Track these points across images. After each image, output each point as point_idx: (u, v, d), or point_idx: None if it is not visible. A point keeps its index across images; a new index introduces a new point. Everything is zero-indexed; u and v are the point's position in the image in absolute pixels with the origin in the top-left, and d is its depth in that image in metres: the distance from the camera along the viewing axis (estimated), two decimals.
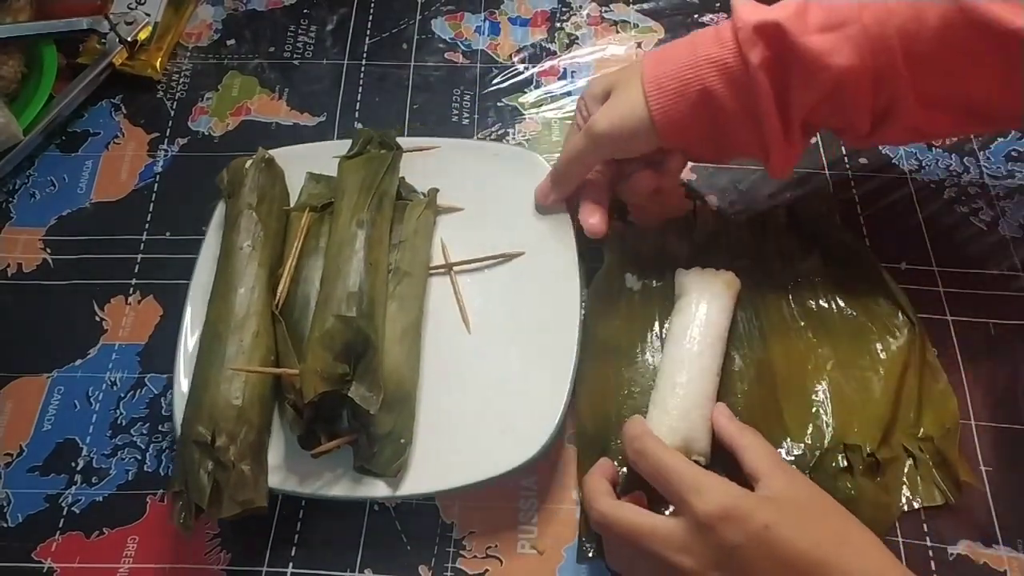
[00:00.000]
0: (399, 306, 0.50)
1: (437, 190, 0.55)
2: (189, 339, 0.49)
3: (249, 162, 0.53)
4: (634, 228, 0.56)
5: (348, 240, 0.50)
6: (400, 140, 0.56)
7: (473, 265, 0.53)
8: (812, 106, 0.44)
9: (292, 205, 0.55)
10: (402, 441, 0.45)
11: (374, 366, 0.45)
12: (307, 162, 0.56)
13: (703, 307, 0.48)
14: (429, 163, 0.56)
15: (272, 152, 0.55)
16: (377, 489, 0.45)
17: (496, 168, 0.56)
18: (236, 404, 0.44)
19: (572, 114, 0.62)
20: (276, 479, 0.45)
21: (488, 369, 0.49)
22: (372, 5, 0.69)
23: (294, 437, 0.45)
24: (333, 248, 0.50)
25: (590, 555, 0.45)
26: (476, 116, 0.63)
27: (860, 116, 0.45)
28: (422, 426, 0.47)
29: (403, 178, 0.56)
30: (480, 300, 0.52)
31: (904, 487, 0.46)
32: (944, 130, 0.52)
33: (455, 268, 0.53)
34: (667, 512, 0.43)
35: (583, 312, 0.51)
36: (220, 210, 0.54)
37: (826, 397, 0.49)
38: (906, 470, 0.47)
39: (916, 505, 0.46)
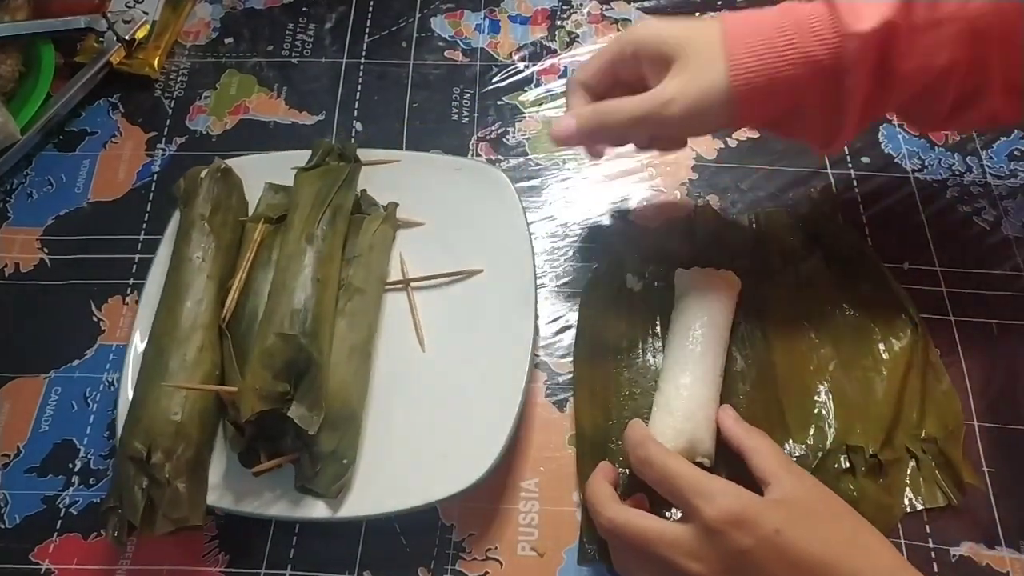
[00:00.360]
0: (349, 323, 0.49)
1: (396, 204, 0.55)
2: (139, 350, 0.48)
3: (204, 171, 0.53)
4: (634, 228, 0.56)
5: (297, 255, 0.49)
6: (360, 152, 0.55)
7: (431, 281, 0.52)
8: (898, 104, 0.43)
9: (250, 216, 0.54)
10: (344, 461, 0.45)
11: (316, 385, 0.44)
12: (270, 172, 0.55)
13: (704, 307, 0.48)
14: (392, 176, 0.56)
15: (234, 161, 0.55)
16: (315, 510, 0.44)
17: (458, 183, 0.55)
18: (174, 420, 0.44)
19: None
20: (214, 496, 0.44)
21: (439, 389, 0.48)
22: (371, 3, 0.68)
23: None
24: (282, 262, 0.49)
25: (592, 557, 0.45)
26: (476, 115, 0.62)
27: (942, 106, 0.44)
28: (368, 445, 0.46)
29: (364, 191, 0.55)
30: (437, 317, 0.51)
31: (907, 488, 0.46)
32: (1015, 117, 0.47)
33: (412, 284, 0.52)
34: (670, 514, 0.43)
35: (571, 319, 0.50)
36: (176, 219, 0.53)
37: (828, 398, 0.48)
38: (909, 471, 0.46)
39: (919, 507, 0.46)
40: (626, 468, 0.47)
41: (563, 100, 0.63)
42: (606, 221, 0.57)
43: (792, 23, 0.42)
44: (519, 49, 0.66)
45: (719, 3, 0.68)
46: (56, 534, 0.47)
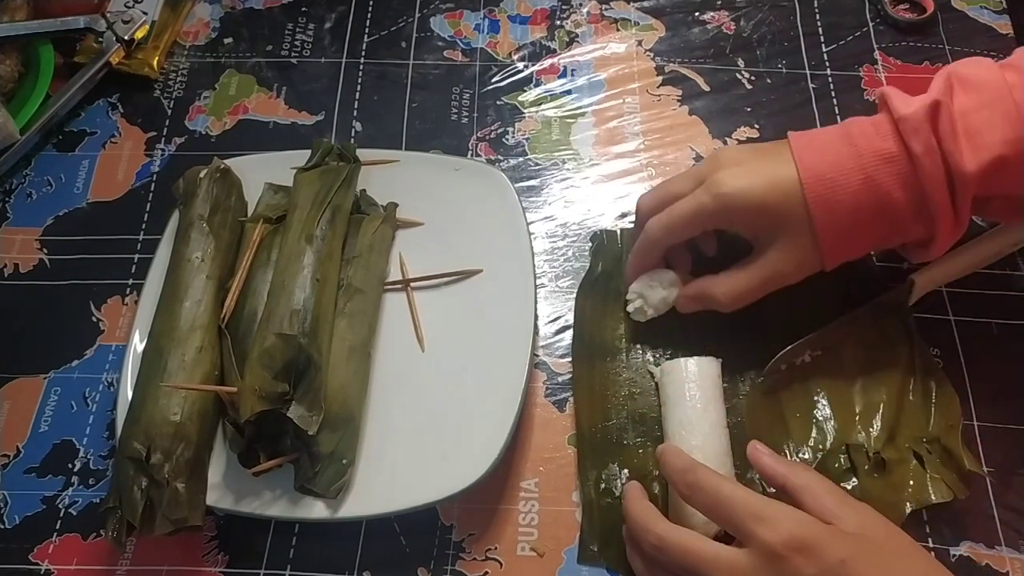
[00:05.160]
0: (348, 324, 0.49)
1: (396, 204, 0.55)
2: (138, 350, 0.48)
3: (203, 172, 0.53)
4: (630, 230, 0.56)
5: (296, 255, 0.49)
6: (360, 152, 0.55)
7: (430, 281, 0.52)
8: (977, 183, 0.42)
9: (249, 216, 0.54)
10: (344, 462, 0.45)
11: (316, 385, 0.44)
12: (270, 172, 0.55)
13: (692, 363, 0.47)
14: (392, 176, 0.56)
15: (233, 161, 0.55)
16: (315, 510, 0.44)
17: (458, 183, 0.55)
18: (174, 420, 0.44)
19: (572, 112, 0.62)
20: (214, 496, 0.44)
21: (439, 390, 0.48)
22: (371, 3, 0.68)
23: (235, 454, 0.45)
24: (282, 262, 0.49)
25: (592, 557, 0.45)
26: (475, 114, 0.62)
27: None
28: (368, 446, 0.46)
29: (364, 191, 0.55)
30: (436, 318, 0.51)
31: (910, 486, 0.46)
32: None
33: (412, 284, 0.52)
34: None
35: (572, 319, 0.51)
36: (175, 219, 0.53)
37: (828, 399, 0.48)
38: (912, 471, 0.46)
39: (924, 503, 0.45)
40: (625, 469, 0.47)
41: (562, 100, 0.63)
42: (605, 221, 0.57)
43: (852, 127, 0.44)
44: (519, 49, 0.66)
45: (718, 3, 0.68)
46: (56, 534, 0.47)
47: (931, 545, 0.45)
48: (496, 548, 0.46)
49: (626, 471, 0.47)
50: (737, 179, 0.44)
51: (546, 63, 0.65)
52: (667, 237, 0.47)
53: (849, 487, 0.45)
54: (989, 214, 0.47)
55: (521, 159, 0.60)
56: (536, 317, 0.49)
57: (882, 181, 0.43)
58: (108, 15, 0.63)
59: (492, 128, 0.62)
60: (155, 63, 0.64)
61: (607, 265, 0.54)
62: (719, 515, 0.38)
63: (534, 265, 0.51)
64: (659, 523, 0.40)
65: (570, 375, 0.51)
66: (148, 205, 0.59)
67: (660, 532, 0.39)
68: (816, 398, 0.49)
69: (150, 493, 0.42)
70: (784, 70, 0.64)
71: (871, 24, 0.66)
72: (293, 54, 0.66)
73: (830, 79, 0.63)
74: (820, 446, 0.47)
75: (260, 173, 0.55)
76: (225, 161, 0.54)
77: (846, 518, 0.37)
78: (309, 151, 0.55)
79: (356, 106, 0.63)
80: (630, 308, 0.50)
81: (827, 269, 0.46)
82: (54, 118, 0.61)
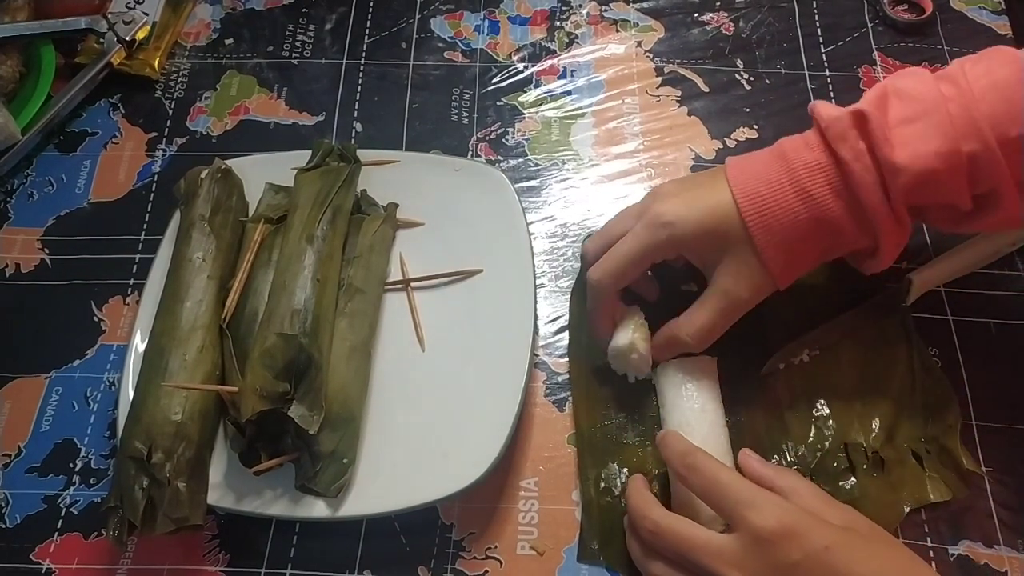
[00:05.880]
0: (349, 323, 0.49)
1: (396, 205, 0.55)
2: (140, 350, 0.49)
3: (204, 172, 0.53)
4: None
5: (297, 255, 0.49)
6: (360, 152, 0.56)
7: (431, 281, 0.52)
8: (910, 190, 0.41)
9: (250, 216, 0.54)
10: (345, 461, 0.45)
11: (316, 385, 0.44)
12: (271, 172, 0.56)
13: (687, 363, 0.47)
14: (392, 176, 0.56)
15: (234, 161, 0.55)
16: (315, 509, 0.44)
17: (458, 183, 0.55)
18: (175, 419, 0.44)
19: (571, 112, 0.62)
20: (215, 495, 0.44)
21: (439, 389, 0.49)
22: (371, 4, 0.69)
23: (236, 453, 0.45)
24: (283, 262, 0.49)
25: (591, 556, 0.45)
26: (475, 115, 0.62)
27: (961, 199, 0.42)
28: (368, 445, 0.47)
29: (364, 191, 0.55)
30: (437, 317, 0.51)
31: (909, 485, 0.46)
32: None
33: (412, 284, 0.52)
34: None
35: (568, 322, 0.51)
36: (176, 220, 0.53)
37: (826, 398, 0.48)
38: (911, 470, 0.46)
39: (923, 501, 0.46)
40: (624, 468, 0.47)
41: (561, 101, 0.63)
42: (604, 221, 0.57)
43: (783, 145, 0.44)
44: (518, 50, 0.66)
45: (718, 4, 0.68)
46: (57, 534, 0.47)
47: (930, 544, 0.46)
48: (496, 547, 0.46)
49: (626, 470, 0.47)
50: (676, 208, 0.44)
51: (546, 64, 0.65)
52: (614, 281, 0.46)
53: (848, 486, 0.46)
54: (931, 222, 0.46)
55: (521, 159, 0.60)
56: (536, 317, 0.49)
57: (815, 192, 0.42)
58: (109, 16, 0.63)
59: (492, 129, 0.62)
60: (156, 64, 0.64)
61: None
62: (712, 499, 0.39)
63: (534, 265, 0.51)
64: (655, 510, 0.41)
65: (569, 375, 0.51)
66: (149, 205, 0.59)
67: (656, 518, 0.41)
68: (815, 397, 0.49)
69: (151, 492, 0.42)
70: (783, 71, 0.64)
71: (870, 25, 0.66)
72: (294, 55, 0.66)
73: (829, 80, 0.63)
74: (819, 445, 0.47)
75: (261, 173, 0.56)
76: (226, 161, 0.55)
77: (832, 516, 0.39)
78: (310, 152, 0.56)
79: (356, 107, 0.63)
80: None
81: (781, 288, 0.45)
82: (55, 118, 0.61)
